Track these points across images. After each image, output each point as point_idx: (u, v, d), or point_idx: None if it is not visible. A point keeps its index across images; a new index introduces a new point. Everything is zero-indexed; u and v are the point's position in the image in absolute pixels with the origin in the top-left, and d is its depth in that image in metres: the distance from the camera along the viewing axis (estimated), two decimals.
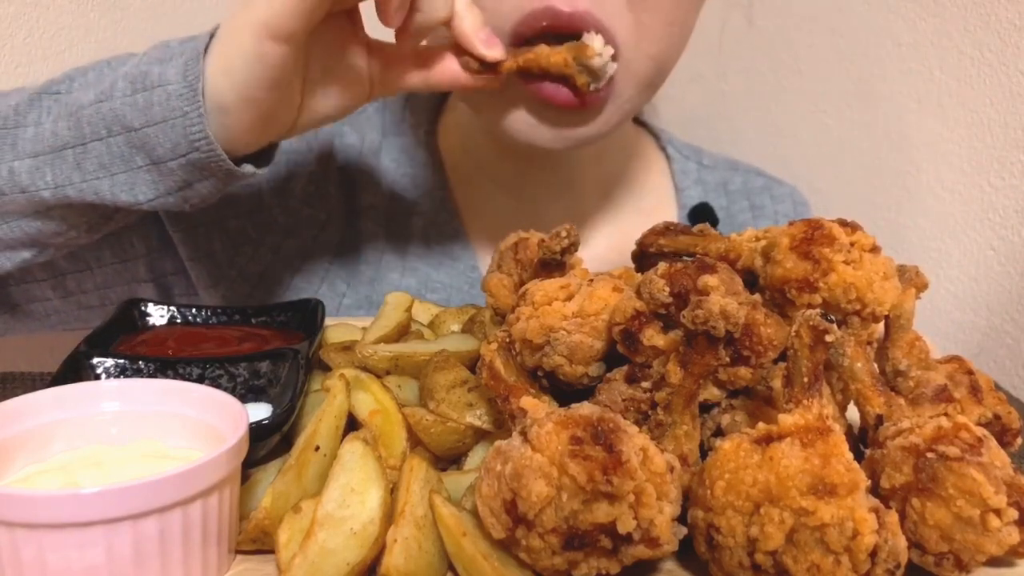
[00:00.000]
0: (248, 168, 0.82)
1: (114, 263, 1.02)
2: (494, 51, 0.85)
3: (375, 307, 0.86)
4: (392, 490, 0.58)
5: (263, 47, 0.74)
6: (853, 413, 0.65)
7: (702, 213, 1.19)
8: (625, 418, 0.57)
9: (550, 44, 0.87)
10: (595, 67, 0.87)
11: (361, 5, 0.82)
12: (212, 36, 0.80)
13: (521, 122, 0.95)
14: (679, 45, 0.97)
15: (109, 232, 0.90)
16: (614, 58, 0.89)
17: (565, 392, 0.66)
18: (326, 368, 0.76)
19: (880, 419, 0.61)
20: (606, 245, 1.13)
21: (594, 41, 0.87)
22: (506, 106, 0.94)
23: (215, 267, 1.04)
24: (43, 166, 0.80)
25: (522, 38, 0.89)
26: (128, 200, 0.81)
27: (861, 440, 0.64)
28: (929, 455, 0.55)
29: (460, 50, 0.86)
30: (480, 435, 0.67)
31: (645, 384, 0.61)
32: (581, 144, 0.98)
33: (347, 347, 0.76)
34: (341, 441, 0.61)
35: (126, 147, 0.78)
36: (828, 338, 0.54)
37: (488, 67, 0.86)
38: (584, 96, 0.89)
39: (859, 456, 0.57)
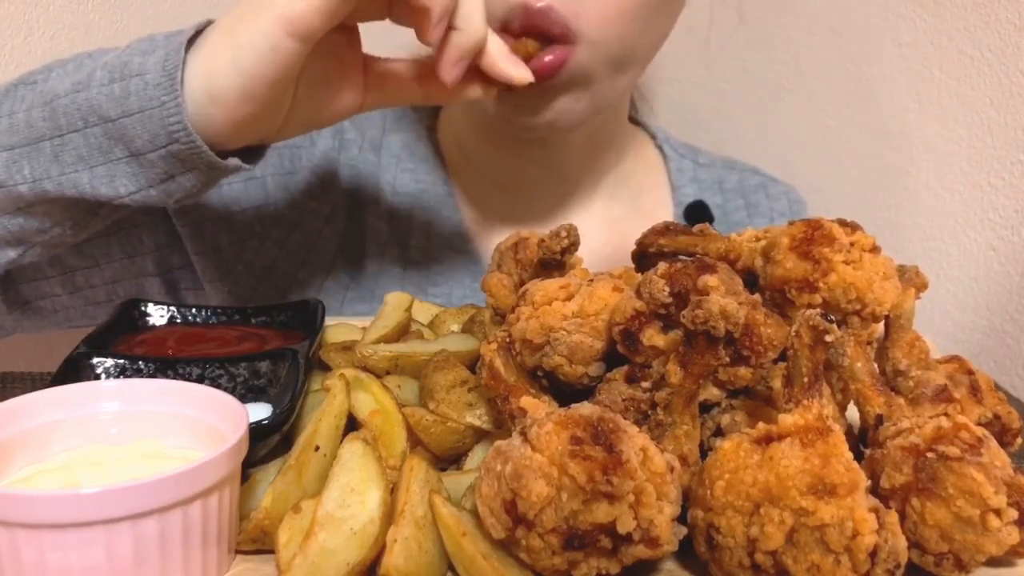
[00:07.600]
0: (233, 161, 0.79)
1: (122, 258, 1.02)
2: (520, 71, 0.82)
3: (378, 300, 0.86)
4: (392, 490, 0.58)
5: (280, 41, 0.73)
6: (853, 413, 0.65)
7: (697, 211, 1.19)
8: (625, 418, 0.57)
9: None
10: None
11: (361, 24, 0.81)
12: (199, 31, 0.78)
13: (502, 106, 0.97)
14: (652, 26, 0.97)
15: (97, 231, 0.88)
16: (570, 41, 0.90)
17: (565, 392, 0.66)
18: (326, 368, 0.76)
19: (880, 419, 0.61)
20: (603, 242, 1.13)
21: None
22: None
23: (222, 261, 1.04)
24: (20, 159, 0.78)
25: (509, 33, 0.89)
26: (109, 193, 0.78)
27: (861, 440, 0.64)
28: (929, 455, 0.55)
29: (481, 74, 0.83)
30: (480, 435, 0.67)
31: (645, 384, 0.61)
32: (561, 123, 0.98)
33: (347, 347, 0.76)
34: (341, 441, 0.61)
35: (104, 138, 0.76)
36: (828, 338, 0.54)
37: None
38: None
39: (859, 456, 0.57)
